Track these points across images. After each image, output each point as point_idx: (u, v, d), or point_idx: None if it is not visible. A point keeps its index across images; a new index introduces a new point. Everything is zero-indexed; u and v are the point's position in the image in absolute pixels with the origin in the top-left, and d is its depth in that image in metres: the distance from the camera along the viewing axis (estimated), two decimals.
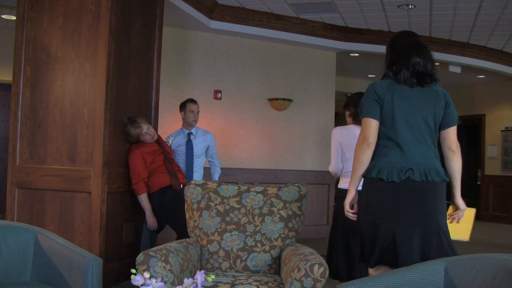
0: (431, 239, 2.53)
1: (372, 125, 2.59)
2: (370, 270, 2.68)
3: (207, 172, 5.24)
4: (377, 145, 2.63)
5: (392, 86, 2.62)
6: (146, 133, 4.32)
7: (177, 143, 4.96)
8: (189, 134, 4.98)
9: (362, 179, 2.69)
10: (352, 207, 2.77)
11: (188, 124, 4.97)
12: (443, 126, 2.66)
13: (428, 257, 2.46)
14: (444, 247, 2.54)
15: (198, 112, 5.00)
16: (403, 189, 2.52)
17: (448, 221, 2.70)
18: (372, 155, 2.62)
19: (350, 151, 3.60)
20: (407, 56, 2.62)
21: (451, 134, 2.65)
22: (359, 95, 3.55)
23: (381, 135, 2.62)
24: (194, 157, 4.95)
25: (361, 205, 2.69)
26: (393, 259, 2.54)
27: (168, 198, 4.30)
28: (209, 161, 5.18)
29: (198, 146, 4.98)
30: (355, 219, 2.76)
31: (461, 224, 2.83)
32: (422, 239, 2.53)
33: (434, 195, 2.57)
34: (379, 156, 2.61)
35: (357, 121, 3.72)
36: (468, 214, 2.93)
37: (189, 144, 4.94)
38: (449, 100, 2.67)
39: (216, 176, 5.15)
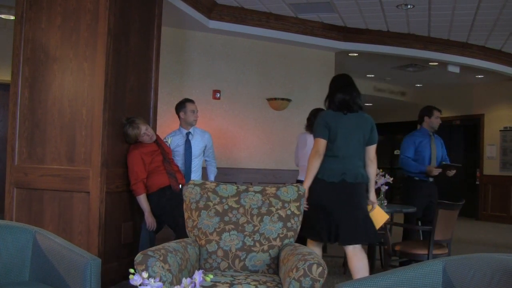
0: (358, 221, 3.60)
1: (322, 143, 3.64)
2: (309, 242, 3.75)
3: (205, 172, 5.24)
4: (325, 155, 3.65)
5: (336, 115, 3.67)
6: (144, 133, 4.32)
7: (175, 143, 4.95)
8: (188, 134, 4.97)
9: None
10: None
11: (188, 124, 4.96)
12: (367, 144, 3.72)
13: (355, 233, 3.58)
14: (368, 226, 3.64)
15: (197, 111, 5.03)
16: (340, 186, 3.58)
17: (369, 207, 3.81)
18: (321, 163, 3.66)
19: (302, 150, 5.07)
20: (333, 95, 3.73)
21: (371, 150, 3.75)
22: (319, 110, 4.77)
23: (328, 149, 3.64)
24: (193, 157, 4.95)
25: (310, 195, 3.65)
26: (329, 235, 3.61)
27: (167, 199, 4.30)
28: (205, 160, 5.17)
29: (197, 146, 4.98)
30: (306, 208, 3.59)
31: (373, 217, 3.78)
32: (352, 220, 3.57)
33: (360, 191, 3.67)
34: (326, 163, 3.65)
35: (309, 130, 4.96)
36: (382, 216, 3.89)
37: (187, 144, 4.94)
38: (373, 125, 3.74)
39: (212, 177, 5.15)
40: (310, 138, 4.64)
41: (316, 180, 3.64)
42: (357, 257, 3.59)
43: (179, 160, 4.89)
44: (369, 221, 3.65)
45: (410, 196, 5.40)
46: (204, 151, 5.09)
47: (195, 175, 5.00)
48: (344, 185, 3.58)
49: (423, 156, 5.37)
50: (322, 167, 3.63)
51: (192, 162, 4.95)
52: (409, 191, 5.49)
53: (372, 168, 3.75)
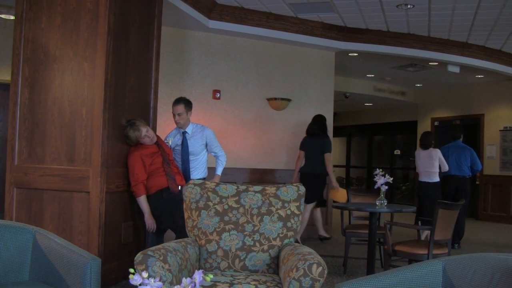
0: (312, 191, 6.45)
1: (302, 153, 6.89)
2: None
3: (212, 170, 5.21)
4: (304, 159, 6.87)
5: (307, 138, 6.91)
6: (145, 135, 4.30)
7: (175, 143, 4.92)
8: (184, 133, 4.93)
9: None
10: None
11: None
12: (322, 152, 6.73)
13: (312, 197, 6.65)
14: (317, 194, 6.83)
15: (180, 114, 4.81)
16: (306, 175, 6.78)
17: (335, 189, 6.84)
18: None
19: (417, 161, 7.19)
20: (308, 129, 6.98)
21: (326, 156, 6.74)
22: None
23: (304, 156, 6.86)
24: (192, 155, 4.89)
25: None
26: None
27: (164, 200, 4.29)
28: (214, 156, 5.13)
29: (195, 144, 4.90)
30: None
31: (339, 194, 6.67)
32: (311, 191, 6.11)
33: (317, 178, 6.77)
34: (303, 163, 6.91)
35: (421, 147, 7.17)
36: (343, 193, 6.48)
37: (184, 144, 4.88)
38: (324, 142, 6.77)
39: (219, 170, 5.03)
40: (418, 152, 7.16)
41: (300, 173, 6.92)
42: (307, 210, 6.76)
43: (179, 159, 4.87)
44: (318, 192, 6.82)
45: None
46: (206, 148, 5.02)
47: (198, 174, 4.96)
48: (308, 174, 6.79)
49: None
50: (301, 165, 6.92)
51: (193, 161, 4.91)
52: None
53: (327, 166, 6.75)
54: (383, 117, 14.29)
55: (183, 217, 3.19)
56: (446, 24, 7.05)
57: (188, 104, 4.88)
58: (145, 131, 4.29)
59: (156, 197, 4.29)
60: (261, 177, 7.25)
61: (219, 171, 5.04)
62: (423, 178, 7.00)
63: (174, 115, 4.85)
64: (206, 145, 4.99)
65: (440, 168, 6.93)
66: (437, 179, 6.95)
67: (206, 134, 4.98)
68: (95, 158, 3.98)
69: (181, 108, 4.82)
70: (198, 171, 4.96)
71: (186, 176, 4.82)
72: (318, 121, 6.89)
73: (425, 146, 7.01)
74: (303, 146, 6.87)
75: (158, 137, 4.54)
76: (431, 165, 6.91)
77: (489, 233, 8.97)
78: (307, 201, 6.52)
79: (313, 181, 6.65)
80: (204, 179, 4.94)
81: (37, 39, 4.23)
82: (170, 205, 4.26)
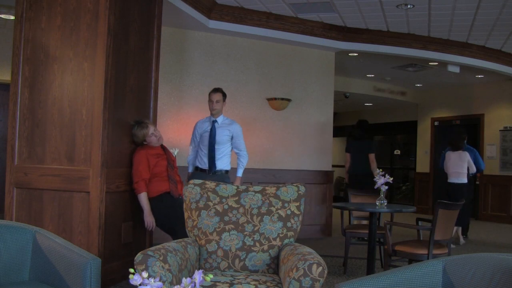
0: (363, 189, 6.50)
1: (348, 155, 7.43)
2: None
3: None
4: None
5: (352, 141, 7.56)
6: (152, 134, 4.37)
7: (203, 129, 5.11)
8: (214, 121, 5.11)
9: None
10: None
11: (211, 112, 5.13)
12: (367, 153, 7.20)
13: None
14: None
15: (217, 101, 5.07)
16: (353, 174, 7.35)
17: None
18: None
19: (448, 162, 7.57)
20: (353, 133, 7.74)
21: (370, 156, 7.18)
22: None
23: (351, 158, 7.43)
24: (217, 144, 5.04)
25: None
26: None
27: (164, 206, 4.30)
28: (236, 152, 5.26)
29: (221, 134, 5.08)
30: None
31: None
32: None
33: (363, 177, 7.07)
34: (349, 164, 7.47)
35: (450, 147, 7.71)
36: None
37: (212, 131, 5.06)
38: (369, 144, 7.33)
39: (240, 172, 5.25)
40: (448, 153, 7.53)
41: (348, 174, 7.49)
42: None
43: (204, 148, 5.04)
44: (369, 191, 6.14)
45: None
46: (232, 142, 5.18)
47: (222, 163, 5.10)
48: (355, 175, 7.29)
49: None
50: (350, 166, 7.40)
51: (217, 149, 5.05)
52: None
53: (371, 165, 7.17)
54: (383, 117, 14.28)
55: (183, 221, 3.20)
56: (446, 24, 7.05)
57: (224, 95, 5.19)
58: (152, 129, 4.40)
59: (155, 202, 4.31)
60: (261, 177, 7.25)
61: (240, 173, 5.28)
62: (453, 179, 7.36)
63: (211, 102, 5.07)
64: (232, 138, 5.17)
65: (468, 169, 7.36)
66: (466, 180, 7.36)
67: (234, 127, 5.20)
68: (95, 158, 3.98)
69: (219, 96, 5.11)
70: (221, 162, 5.10)
71: (211, 162, 5.01)
72: (362, 126, 7.53)
73: (456, 148, 7.42)
74: (349, 149, 7.44)
75: (163, 145, 4.60)
76: (461, 166, 7.33)
77: (489, 233, 8.97)
78: None
79: (361, 181, 7.07)
80: (227, 171, 5.16)
81: (37, 39, 4.23)
82: (169, 211, 4.28)
